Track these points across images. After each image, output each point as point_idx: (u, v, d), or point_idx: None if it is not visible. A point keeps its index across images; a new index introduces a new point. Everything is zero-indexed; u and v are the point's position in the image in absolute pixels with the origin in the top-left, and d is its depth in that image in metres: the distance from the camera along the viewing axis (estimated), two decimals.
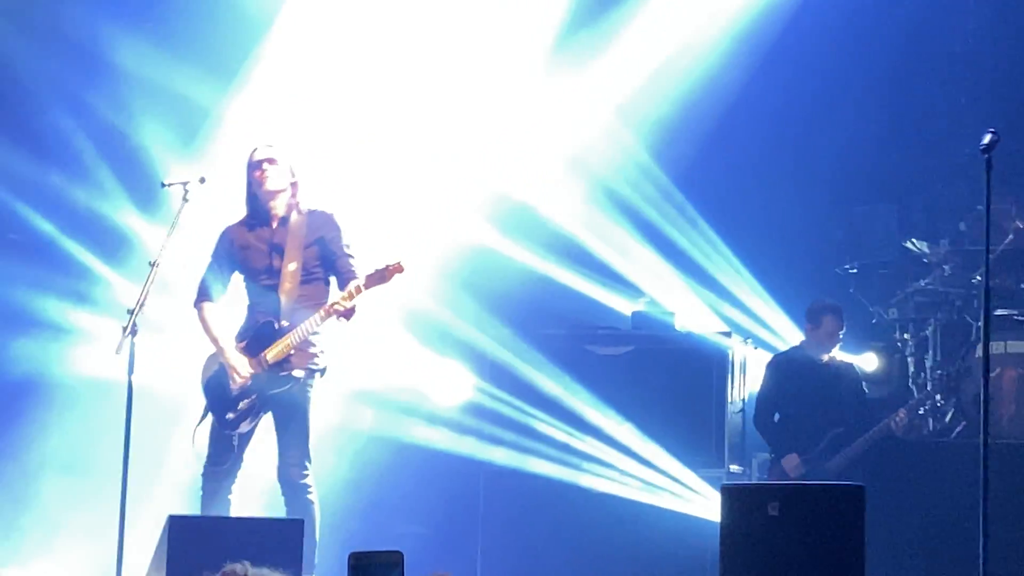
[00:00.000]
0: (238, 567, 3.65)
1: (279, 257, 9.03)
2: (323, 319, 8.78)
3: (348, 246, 9.01)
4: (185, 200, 8.69)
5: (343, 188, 11.22)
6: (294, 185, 9.09)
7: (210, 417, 9.03)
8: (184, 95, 11.55)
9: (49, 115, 11.71)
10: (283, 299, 8.96)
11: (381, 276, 8.66)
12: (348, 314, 8.75)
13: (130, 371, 8.38)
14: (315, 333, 8.88)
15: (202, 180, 8.78)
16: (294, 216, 9.07)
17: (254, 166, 9.06)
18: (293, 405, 8.95)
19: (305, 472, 8.93)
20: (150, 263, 8.57)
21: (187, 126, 11.65)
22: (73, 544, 10.50)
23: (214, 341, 9.05)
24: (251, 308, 9.14)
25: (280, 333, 8.89)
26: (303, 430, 8.97)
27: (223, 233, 9.19)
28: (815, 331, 10.65)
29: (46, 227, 11.45)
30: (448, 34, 11.74)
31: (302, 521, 8.04)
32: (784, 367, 10.72)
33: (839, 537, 6.49)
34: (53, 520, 10.99)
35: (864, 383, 11.01)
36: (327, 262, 9.02)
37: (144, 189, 11.33)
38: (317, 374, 9.01)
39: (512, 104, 11.82)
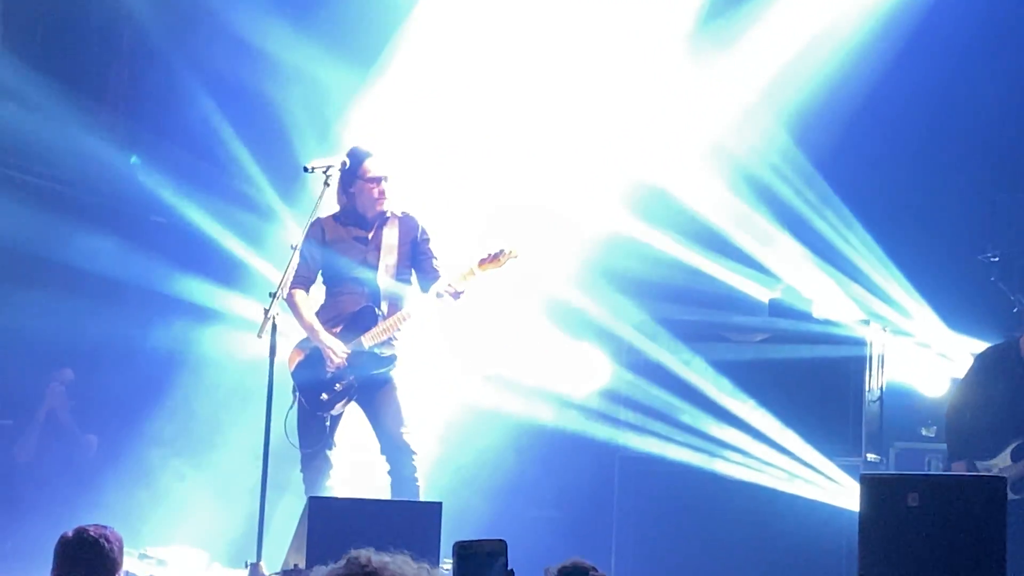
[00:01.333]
0: (363, 554, 3.67)
1: (375, 253, 9.12)
2: (434, 300, 8.89)
3: (433, 249, 9.17)
4: (326, 184, 8.77)
5: (481, 178, 11.29)
6: (398, 197, 9.24)
7: (298, 403, 9.09)
8: (326, 81, 11.66)
9: (193, 100, 11.86)
10: (381, 289, 9.07)
11: (495, 259, 8.72)
12: (457, 295, 8.85)
13: (271, 353, 8.48)
14: (416, 317, 9.01)
15: (344, 165, 8.86)
16: (389, 218, 9.20)
17: (373, 180, 9.13)
18: (382, 388, 9.09)
19: (405, 430, 9.03)
20: (291, 247, 8.67)
21: (329, 112, 11.75)
22: (208, 523, 10.63)
23: (308, 326, 9.09)
24: (335, 298, 9.21)
25: (380, 318, 9.02)
26: (396, 404, 9.08)
27: (314, 224, 9.06)
28: None
29: (189, 210, 11.61)
30: (588, 21, 11.73)
31: (440, 504, 8.04)
32: (991, 361, 10.14)
33: (980, 528, 6.42)
34: (190, 499, 11.16)
35: None
36: (415, 261, 9.17)
37: (286, 173, 11.45)
38: (397, 357, 9.15)
39: (652, 90, 11.77)
